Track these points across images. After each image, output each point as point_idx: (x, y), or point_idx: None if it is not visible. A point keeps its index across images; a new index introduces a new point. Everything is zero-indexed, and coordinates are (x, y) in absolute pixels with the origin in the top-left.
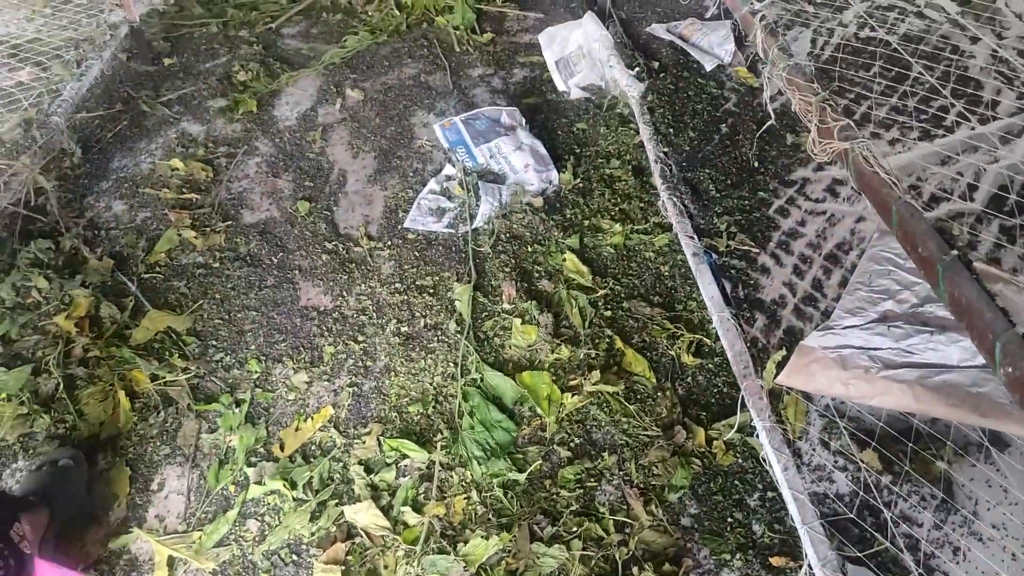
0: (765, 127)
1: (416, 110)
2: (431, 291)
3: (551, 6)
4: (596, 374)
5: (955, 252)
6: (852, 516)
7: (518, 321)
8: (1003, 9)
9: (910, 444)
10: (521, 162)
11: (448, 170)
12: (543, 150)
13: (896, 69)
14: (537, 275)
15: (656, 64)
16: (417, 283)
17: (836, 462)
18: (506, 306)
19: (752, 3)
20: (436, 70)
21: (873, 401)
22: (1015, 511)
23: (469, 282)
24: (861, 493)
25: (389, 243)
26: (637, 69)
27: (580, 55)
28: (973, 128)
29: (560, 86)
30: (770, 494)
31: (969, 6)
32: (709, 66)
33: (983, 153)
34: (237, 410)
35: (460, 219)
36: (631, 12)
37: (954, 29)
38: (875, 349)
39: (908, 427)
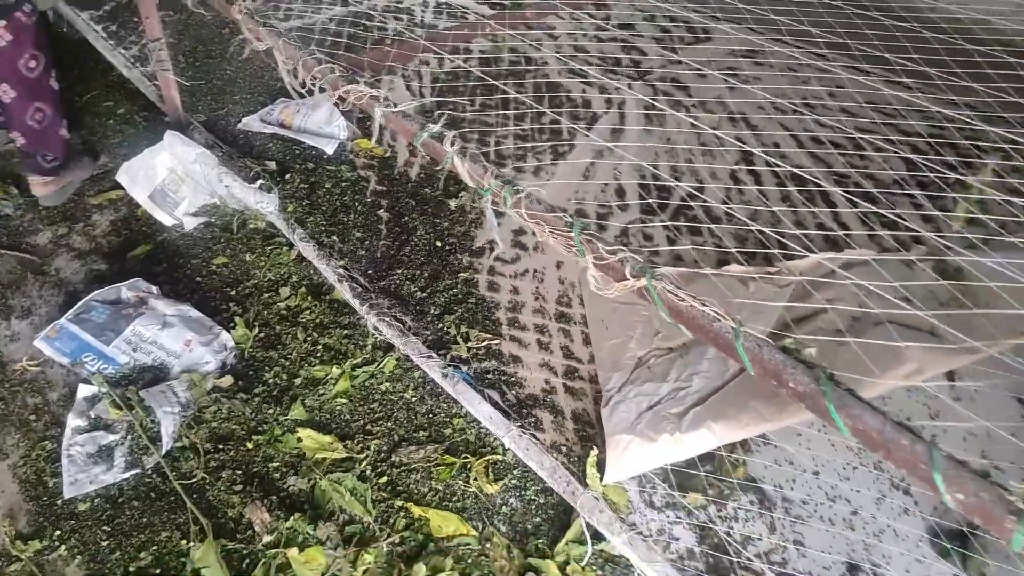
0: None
1: None
2: (155, 569)
3: (93, 120)
4: (420, 568)
5: (827, 374)
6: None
7: (294, 551)
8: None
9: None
10: (178, 340)
11: (84, 390)
12: (196, 312)
13: (496, 96)
14: (279, 476)
15: (274, 165)
16: (130, 570)
17: (668, 517)
18: (267, 539)
19: (430, 127)
20: None
21: (686, 457)
22: (807, 478)
23: (203, 533)
24: (720, 530)
25: (58, 534)
26: (260, 181)
27: (177, 179)
28: (587, 133)
29: (167, 221)
30: None
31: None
32: (330, 149)
33: (601, 154)
34: None
35: (139, 449)
36: (210, 111)
37: (519, 40)
38: (660, 402)
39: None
